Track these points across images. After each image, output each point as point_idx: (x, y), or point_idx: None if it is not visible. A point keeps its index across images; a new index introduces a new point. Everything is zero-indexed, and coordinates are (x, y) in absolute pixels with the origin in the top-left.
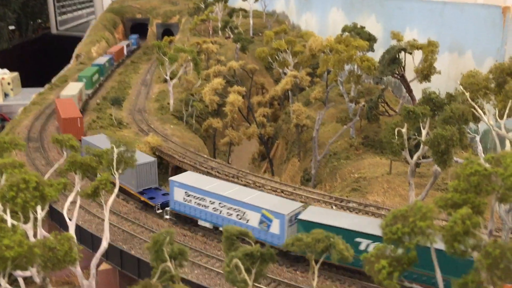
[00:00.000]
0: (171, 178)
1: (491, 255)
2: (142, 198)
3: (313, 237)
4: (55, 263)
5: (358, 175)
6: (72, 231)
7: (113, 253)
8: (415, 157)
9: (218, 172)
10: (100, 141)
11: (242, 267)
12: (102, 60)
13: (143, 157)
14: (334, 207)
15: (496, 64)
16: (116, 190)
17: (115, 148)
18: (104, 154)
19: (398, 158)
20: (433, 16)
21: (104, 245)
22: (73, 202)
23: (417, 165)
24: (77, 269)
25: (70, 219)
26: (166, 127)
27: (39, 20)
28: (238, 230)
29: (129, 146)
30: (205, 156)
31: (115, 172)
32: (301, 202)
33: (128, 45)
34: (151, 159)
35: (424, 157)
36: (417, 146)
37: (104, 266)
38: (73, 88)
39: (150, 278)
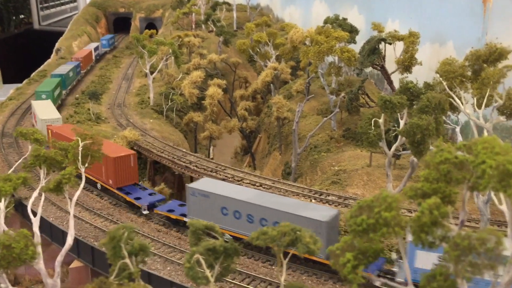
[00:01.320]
0: (408, 241)
1: (459, 246)
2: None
3: (279, 230)
4: (10, 261)
5: (338, 167)
6: (36, 227)
7: (84, 251)
8: (393, 148)
9: (196, 166)
10: (209, 185)
11: (203, 262)
12: (65, 68)
13: (327, 211)
14: (313, 200)
15: (472, 51)
16: (82, 184)
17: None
18: (70, 147)
19: (379, 150)
20: (414, 7)
21: (69, 242)
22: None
23: (398, 157)
24: (40, 268)
25: (35, 215)
26: (146, 121)
27: (22, 16)
28: (204, 224)
29: (95, 139)
30: (184, 150)
31: (81, 166)
32: (281, 195)
33: (97, 48)
34: (335, 211)
35: (404, 149)
36: (396, 137)
37: (76, 263)
38: (51, 110)
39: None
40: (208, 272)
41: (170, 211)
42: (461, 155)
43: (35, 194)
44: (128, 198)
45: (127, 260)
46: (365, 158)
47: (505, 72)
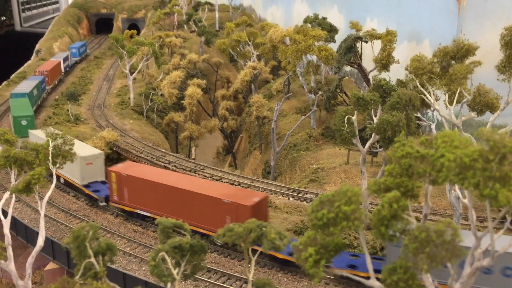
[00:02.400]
0: None
1: (418, 238)
2: None
3: (245, 226)
4: None
5: (317, 166)
6: (6, 228)
7: (59, 252)
8: (367, 145)
9: (175, 166)
10: None
11: (168, 260)
12: (28, 85)
13: None
14: (291, 198)
15: (440, 48)
16: (53, 185)
17: (50, 141)
18: (41, 148)
19: (356, 148)
20: (393, 6)
21: (39, 243)
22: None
23: (375, 154)
24: (11, 269)
25: (6, 216)
26: (125, 122)
27: (3, 17)
28: (173, 222)
29: (67, 139)
30: (163, 150)
31: (52, 166)
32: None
33: (66, 59)
34: None
35: (381, 146)
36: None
37: (51, 265)
38: (80, 144)
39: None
40: (173, 270)
41: (351, 266)
42: (422, 149)
43: (6, 195)
44: (281, 256)
45: (93, 259)
46: (343, 156)
47: (472, 68)
